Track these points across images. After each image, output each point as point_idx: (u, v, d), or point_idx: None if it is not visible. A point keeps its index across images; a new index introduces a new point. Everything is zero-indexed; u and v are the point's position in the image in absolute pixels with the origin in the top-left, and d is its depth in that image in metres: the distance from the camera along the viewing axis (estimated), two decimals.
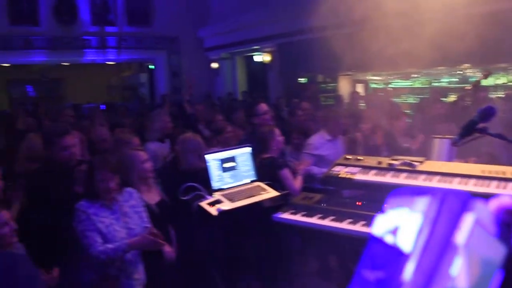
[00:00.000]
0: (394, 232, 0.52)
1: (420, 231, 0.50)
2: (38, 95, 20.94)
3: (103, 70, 21.61)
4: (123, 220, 3.31)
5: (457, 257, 0.48)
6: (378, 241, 0.53)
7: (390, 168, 3.89)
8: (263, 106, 5.15)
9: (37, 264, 2.79)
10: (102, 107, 11.92)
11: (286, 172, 4.45)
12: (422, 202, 0.53)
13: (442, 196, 0.52)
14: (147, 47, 16.93)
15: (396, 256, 0.50)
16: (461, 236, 0.49)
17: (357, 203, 3.78)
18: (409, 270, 0.49)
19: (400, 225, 0.52)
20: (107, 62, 18.72)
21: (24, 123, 6.72)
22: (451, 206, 0.51)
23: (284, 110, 9.95)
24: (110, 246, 3.14)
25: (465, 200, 0.51)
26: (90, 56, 16.50)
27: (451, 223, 0.50)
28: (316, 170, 5.07)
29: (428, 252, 0.49)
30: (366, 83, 13.00)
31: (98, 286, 3.29)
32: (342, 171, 4.09)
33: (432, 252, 0.49)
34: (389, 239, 0.52)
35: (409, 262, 0.49)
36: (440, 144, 4.02)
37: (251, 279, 4.90)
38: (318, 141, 5.38)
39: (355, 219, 3.49)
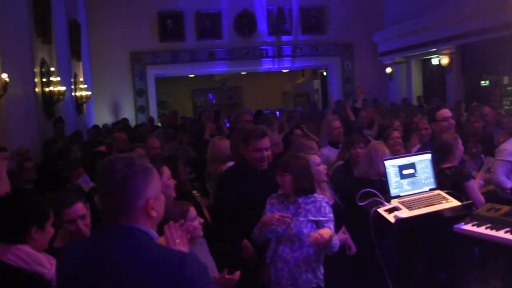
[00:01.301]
0: None
1: None
2: (218, 102, 22.70)
3: (277, 77, 22.51)
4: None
5: None
6: None
7: None
8: (447, 111, 4.91)
9: (219, 263, 3.03)
10: (277, 113, 12.42)
11: (472, 184, 4.15)
12: None
13: None
14: (321, 54, 17.14)
15: None
16: None
17: None
18: None
19: None
20: (282, 70, 19.46)
21: (211, 134, 7.25)
22: None
23: (463, 115, 9.33)
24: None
25: None
26: (267, 65, 17.27)
27: None
28: (510, 183, 4.68)
29: None
30: None
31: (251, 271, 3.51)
32: None
33: None
34: None
35: None
36: None
37: None
38: None
39: None
